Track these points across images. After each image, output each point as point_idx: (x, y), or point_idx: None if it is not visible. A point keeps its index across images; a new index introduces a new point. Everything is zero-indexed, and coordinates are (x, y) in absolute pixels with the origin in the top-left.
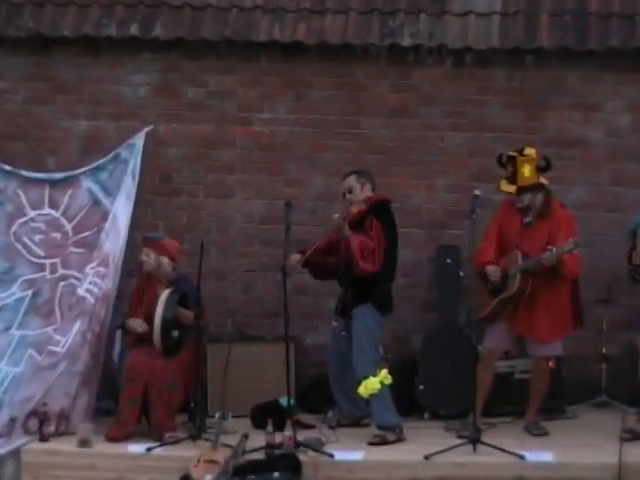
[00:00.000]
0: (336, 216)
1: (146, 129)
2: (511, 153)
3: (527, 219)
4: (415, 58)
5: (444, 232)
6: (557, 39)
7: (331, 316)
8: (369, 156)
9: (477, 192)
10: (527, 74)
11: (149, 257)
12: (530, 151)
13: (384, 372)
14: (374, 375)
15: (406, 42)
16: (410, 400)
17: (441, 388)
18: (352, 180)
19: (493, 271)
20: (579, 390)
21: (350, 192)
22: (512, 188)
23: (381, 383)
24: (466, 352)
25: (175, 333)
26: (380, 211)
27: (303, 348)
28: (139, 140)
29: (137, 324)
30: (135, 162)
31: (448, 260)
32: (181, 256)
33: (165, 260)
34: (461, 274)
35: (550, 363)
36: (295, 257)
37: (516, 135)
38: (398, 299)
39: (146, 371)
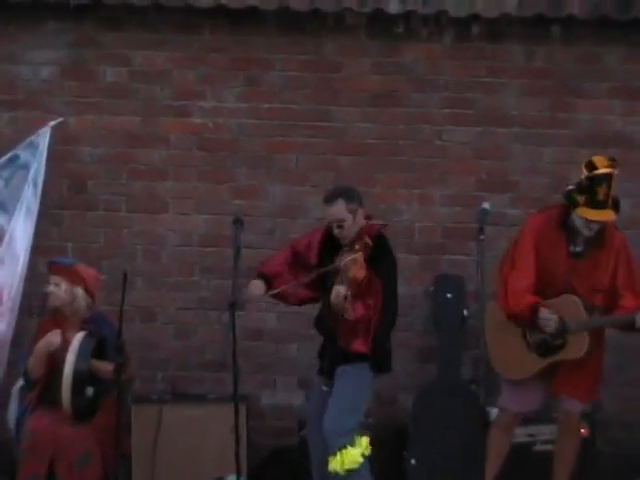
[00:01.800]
0: (342, 291)
1: (52, 123)
2: (604, 170)
3: (578, 248)
4: (405, 30)
5: (443, 258)
6: (592, 5)
7: (295, 369)
8: (345, 157)
9: (486, 205)
10: (553, 51)
11: (59, 288)
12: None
13: (365, 441)
14: (353, 445)
15: (393, 8)
16: (398, 479)
17: (438, 463)
18: (341, 209)
19: (549, 319)
20: (619, 466)
21: (340, 227)
22: (607, 215)
23: (362, 455)
24: (471, 416)
25: (89, 391)
26: (381, 258)
27: (258, 411)
28: (43, 137)
29: (52, 337)
30: (38, 166)
31: (448, 295)
32: (99, 289)
33: (80, 292)
34: (465, 313)
35: (582, 429)
36: (257, 286)
37: (538, 130)
38: None
39: (52, 440)
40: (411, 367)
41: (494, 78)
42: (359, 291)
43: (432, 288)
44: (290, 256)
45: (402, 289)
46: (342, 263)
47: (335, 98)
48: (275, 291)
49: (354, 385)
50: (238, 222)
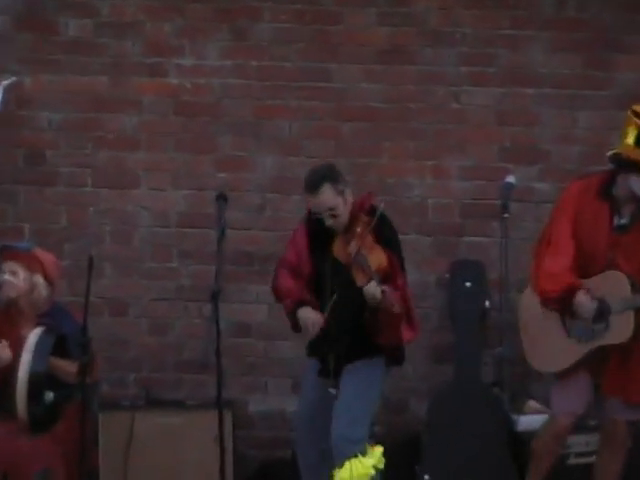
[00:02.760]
0: (377, 292)
1: (4, 82)
2: None
3: (623, 220)
4: None
5: (461, 240)
6: None
7: (289, 369)
8: (346, 124)
9: (511, 179)
10: None
11: (16, 276)
12: None
13: (379, 451)
14: (364, 455)
15: None
16: None
17: (456, 479)
18: (330, 195)
19: (587, 303)
20: None
21: (333, 215)
22: None
23: (375, 468)
24: (494, 425)
25: (49, 396)
26: (385, 233)
27: (245, 418)
28: None
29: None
30: None
31: (467, 283)
32: (59, 277)
33: (41, 281)
34: (487, 305)
35: (628, 440)
36: (313, 316)
37: (571, 91)
38: None
39: (6, 455)
40: (424, 368)
41: (519, 30)
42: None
43: (448, 276)
44: (293, 274)
45: (413, 277)
46: (353, 255)
47: (334, 54)
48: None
49: (368, 384)
50: (222, 198)
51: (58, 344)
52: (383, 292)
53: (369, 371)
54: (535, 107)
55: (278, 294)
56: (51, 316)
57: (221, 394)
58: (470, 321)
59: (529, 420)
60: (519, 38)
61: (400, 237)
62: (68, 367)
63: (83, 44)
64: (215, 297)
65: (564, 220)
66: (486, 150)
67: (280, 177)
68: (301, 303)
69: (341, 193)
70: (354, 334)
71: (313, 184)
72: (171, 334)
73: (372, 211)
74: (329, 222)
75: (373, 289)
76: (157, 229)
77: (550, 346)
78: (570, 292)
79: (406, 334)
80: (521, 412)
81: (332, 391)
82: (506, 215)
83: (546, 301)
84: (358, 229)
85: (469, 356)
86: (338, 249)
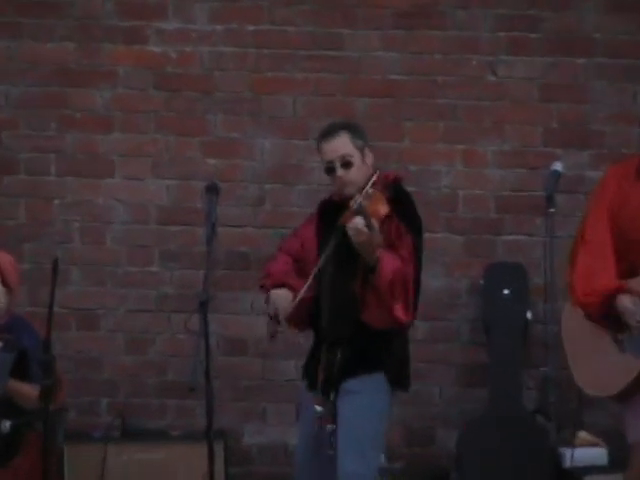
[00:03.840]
0: (360, 223)
1: None
2: None
3: None
4: None
5: (498, 240)
6: None
7: (292, 394)
8: (360, 100)
9: (558, 166)
10: None
11: None
12: None
13: None
14: None
15: None
16: None
17: None
18: (346, 141)
19: (633, 307)
20: None
21: (347, 164)
22: None
23: None
24: (537, 459)
25: (5, 425)
26: (403, 204)
27: (240, 451)
28: None
29: None
30: None
31: (505, 291)
32: (19, 282)
33: None
34: (529, 316)
35: None
36: (284, 296)
37: (629, 61)
38: (415, 362)
39: None
40: (453, 391)
41: None
42: (387, 239)
43: (483, 281)
44: (290, 262)
45: (441, 282)
46: (354, 204)
47: (347, 17)
48: (300, 295)
49: (369, 409)
50: (212, 189)
51: (17, 362)
52: (368, 227)
53: (370, 392)
54: (586, 80)
55: (262, 280)
56: (9, 329)
57: (211, 423)
58: (509, 335)
59: (580, 454)
60: None
61: (426, 235)
62: (28, 391)
63: (44, 3)
64: (204, 307)
65: (600, 212)
66: (528, 132)
67: (282, 164)
68: (281, 286)
69: (359, 148)
70: (348, 333)
71: (330, 129)
72: (152, 351)
73: (392, 186)
74: (340, 173)
75: (355, 221)
76: (135, 226)
77: (602, 365)
78: (612, 297)
79: (400, 313)
80: (570, 445)
81: (317, 409)
82: (552, 209)
83: (587, 312)
84: (369, 190)
85: (507, 377)
86: (344, 218)
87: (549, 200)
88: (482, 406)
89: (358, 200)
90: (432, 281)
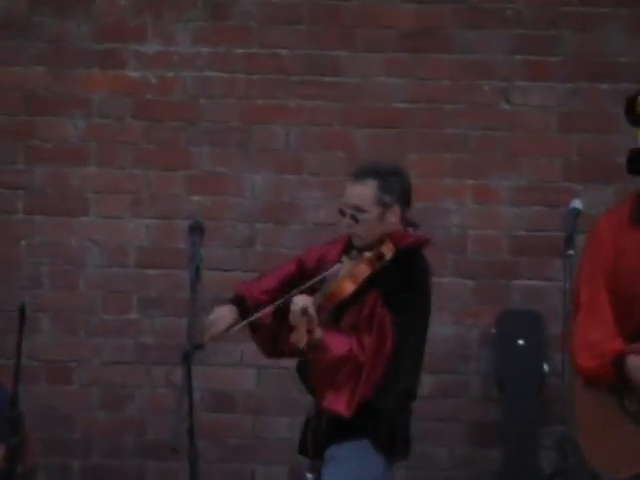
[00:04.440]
0: (300, 303)
1: None
2: None
3: None
4: None
5: (512, 285)
6: None
7: (285, 454)
8: (360, 131)
9: (578, 204)
10: None
11: None
12: None
13: None
14: None
15: None
16: None
17: None
18: (367, 193)
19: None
20: None
21: (355, 219)
22: None
23: None
24: None
25: None
26: (399, 276)
27: None
28: None
29: None
30: None
31: (520, 341)
32: None
33: None
34: (545, 368)
35: None
36: (224, 314)
37: None
38: (421, 421)
39: None
40: (463, 452)
41: (590, 7)
42: (351, 321)
43: (495, 331)
44: (289, 276)
45: (449, 331)
46: (329, 271)
47: (346, 39)
48: (247, 320)
49: (355, 478)
50: (197, 229)
51: None
52: (304, 310)
53: (353, 461)
54: (611, 108)
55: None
56: None
57: None
58: (523, 390)
59: None
60: (590, 17)
61: (433, 280)
62: None
63: (13, 23)
64: (187, 359)
65: (595, 270)
66: (546, 165)
67: (274, 202)
68: (236, 298)
69: (382, 204)
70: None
71: (361, 171)
72: (130, 408)
73: (405, 251)
74: (346, 223)
75: (299, 299)
76: (111, 270)
77: (615, 440)
78: (618, 363)
79: (334, 403)
80: None
81: (309, 477)
82: (571, 251)
83: (590, 381)
84: (368, 255)
85: (522, 437)
86: (328, 266)
87: (568, 241)
88: (495, 468)
89: (335, 272)
90: (440, 330)
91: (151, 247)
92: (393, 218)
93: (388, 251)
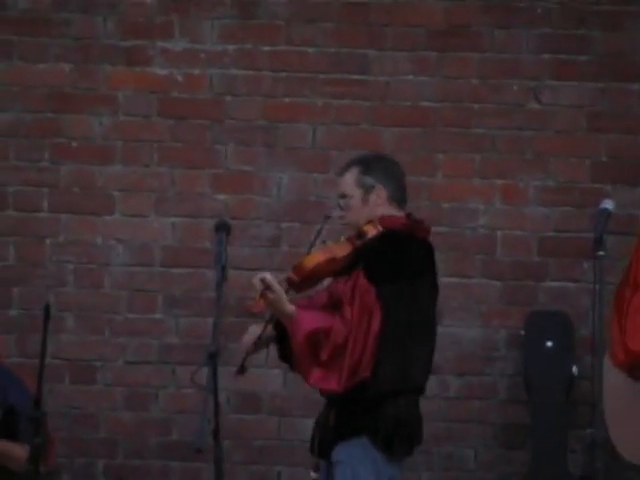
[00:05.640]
0: (259, 277)
1: None
2: None
3: None
4: None
5: (540, 286)
6: None
7: (308, 455)
8: (389, 129)
9: (608, 204)
10: None
11: None
12: None
13: None
14: None
15: None
16: None
17: None
18: (350, 179)
19: None
20: None
21: (344, 205)
22: None
23: None
24: None
25: None
26: (379, 254)
27: None
28: None
29: None
30: None
31: (548, 343)
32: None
33: None
34: (574, 371)
35: None
36: (252, 332)
37: None
38: (447, 422)
39: None
40: (490, 454)
41: (620, 6)
42: (331, 298)
43: (523, 332)
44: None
45: (476, 333)
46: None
47: (374, 37)
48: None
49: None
50: (223, 228)
51: (3, 421)
52: (263, 280)
53: (352, 461)
54: None
55: None
56: None
57: None
58: (552, 393)
59: None
60: (620, 15)
61: (455, 280)
62: (16, 451)
63: (38, 20)
64: (213, 359)
65: None
66: (575, 165)
67: (300, 200)
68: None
69: (363, 186)
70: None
71: (347, 163)
72: (154, 408)
73: (387, 230)
74: (338, 212)
75: (258, 279)
76: (136, 269)
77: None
78: None
79: (315, 376)
80: None
81: (313, 475)
82: (601, 252)
83: (631, 368)
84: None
85: (550, 439)
86: None
87: (598, 242)
88: (522, 471)
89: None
90: (467, 332)
91: (176, 246)
92: (377, 200)
93: (371, 230)
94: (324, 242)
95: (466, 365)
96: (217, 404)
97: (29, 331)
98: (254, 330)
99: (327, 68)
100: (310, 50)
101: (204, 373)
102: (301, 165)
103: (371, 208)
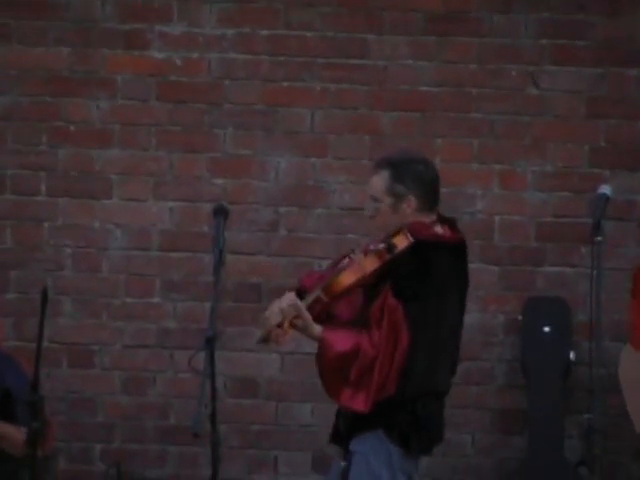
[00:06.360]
0: (287, 303)
1: None
2: None
3: None
4: None
5: (538, 271)
6: None
7: (308, 441)
8: (386, 114)
9: (606, 190)
10: None
11: None
12: None
13: None
14: None
15: None
16: None
17: None
18: (381, 183)
19: None
20: None
21: (373, 204)
22: None
23: None
24: None
25: None
26: (408, 270)
27: None
28: None
29: None
30: None
31: (546, 328)
32: None
33: None
34: (572, 356)
35: None
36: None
37: None
38: (445, 408)
39: None
40: (488, 440)
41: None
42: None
43: (521, 318)
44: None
45: (474, 318)
46: (338, 267)
47: (372, 21)
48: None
49: (369, 474)
50: (221, 212)
51: (2, 403)
52: (293, 307)
53: (370, 454)
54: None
55: None
56: None
57: (217, 472)
58: (549, 378)
59: None
60: (619, 1)
61: None
62: (13, 434)
63: (35, 3)
64: (210, 344)
65: None
66: (573, 151)
67: (298, 185)
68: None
69: (394, 194)
70: None
71: (379, 161)
72: (151, 392)
73: (419, 242)
74: (368, 214)
75: (282, 301)
76: (134, 253)
77: None
78: None
79: (345, 396)
80: None
81: (341, 464)
82: (599, 238)
83: None
84: (380, 246)
85: (547, 425)
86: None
87: (596, 227)
88: (520, 456)
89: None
90: (465, 317)
91: (174, 230)
92: (407, 209)
93: (401, 242)
94: (352, 251)
95: (464, 350)
96: (214, 389)
97: (26, 315)
98: (291, 297)
99: (326, 52)
100: (309, 34)
101: (201, 357)
102: (299, 149)
103: (401, 216)
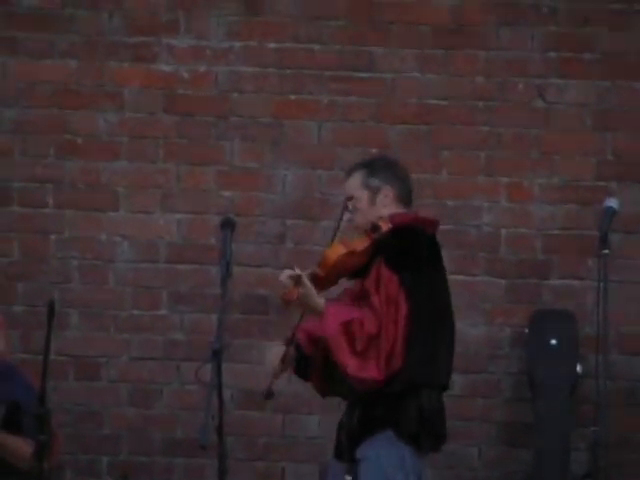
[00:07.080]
0: (287, 274)
1: None
2: None
3: None
4: None
5: (545, 284)
6: None
7: (315, 452)
8: (394, 126)
9: (613, 203)
10: None
11: None
12: None
13: None
14: None
15: None
16: None
17: None
18: (356, 182)
19: None
20: None
21: (352, 208)
22: None
23: None
24: None
25: None
26: (397, 245)
27: None
28: None
29: None
30: None
31: (552, 340)
32: (3, 328)
33: None
34: (578, 369)
35: None
36: (274, 354)
37: None
38: (451, 420)
39: None
40: (494, 453)
41: (626, 4)
42: (354, 297)
43: (527, 331)
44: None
45: (480, 331)
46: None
47: (380, 34)
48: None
49: (382, 476)
50: (228, 225)
51: (8, 416)
52: (296, 277)
53: (381, 456)
54: None
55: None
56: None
57: None
58: (556, 391)
59: None
60: (626, 14)
61: (460, 278)
62: (20, 447)
63: (43, 16)
64: (217, 356)
65: None
66: (580, 164)
67: (305, 198)
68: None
69: (371, 189)
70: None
71: (349, 168)
72: (158, 404)
73: (400, 227)
74: (348, 216)
75: (292, 274)
76: (141, 265)
77: None
78: None
79: (354, 367)
80: None
81: (347, 478)
82: (606, 251)
83: None
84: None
85: (554, 438)
86: None
87: (603, 240)
88: (526, 469)
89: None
90: (471, 330)
91: (181, 243)
92: (385, 200)
93: (384, 224)
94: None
95: (470, 363)
96: (221, 400)
97: (33, 327)
98: (276, 352)
99: (333, 65)
100: (316, 47)
101: (208, 370)
102: (306, 162)
103: (379, 209)
